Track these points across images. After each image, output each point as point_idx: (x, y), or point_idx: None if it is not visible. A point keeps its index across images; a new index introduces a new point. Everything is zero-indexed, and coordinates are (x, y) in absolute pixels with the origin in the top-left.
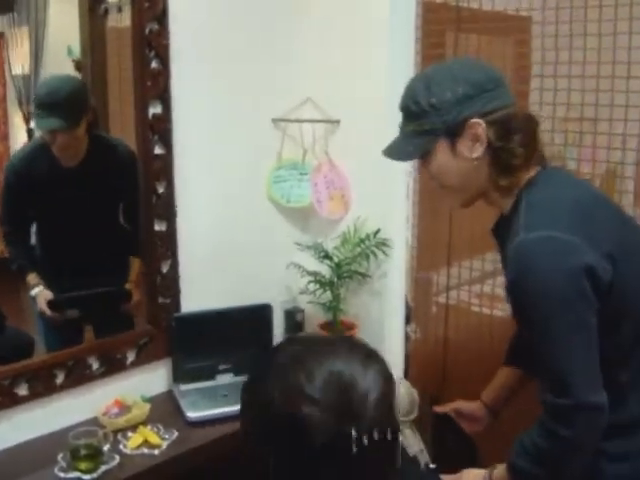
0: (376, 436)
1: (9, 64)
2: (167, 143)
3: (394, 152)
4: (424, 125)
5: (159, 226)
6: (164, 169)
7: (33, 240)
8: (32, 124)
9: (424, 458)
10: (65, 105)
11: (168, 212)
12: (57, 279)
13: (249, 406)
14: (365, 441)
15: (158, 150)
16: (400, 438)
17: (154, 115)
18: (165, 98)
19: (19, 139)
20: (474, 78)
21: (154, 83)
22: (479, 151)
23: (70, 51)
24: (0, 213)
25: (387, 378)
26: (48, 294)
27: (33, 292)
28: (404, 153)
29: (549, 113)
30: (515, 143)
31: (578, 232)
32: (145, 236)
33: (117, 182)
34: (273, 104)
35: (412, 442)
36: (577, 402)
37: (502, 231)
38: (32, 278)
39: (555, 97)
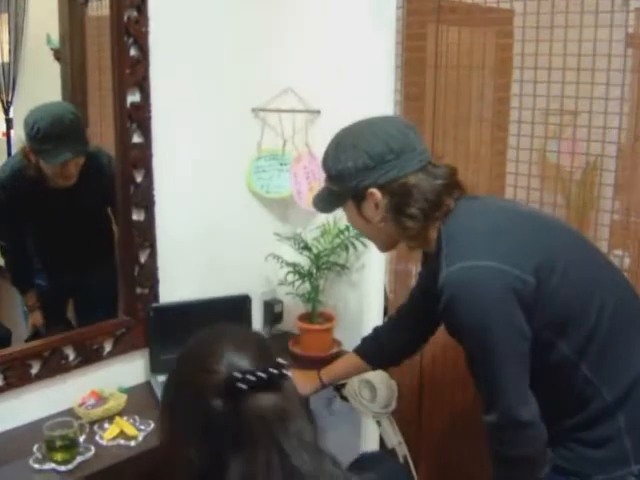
0: (264, 375)
1: None
2: (146, 132)
3: (315, 203)
4: (333, 187)
5: (137, 215)
6: (142, 158)
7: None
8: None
9: (402, 450)
10: (73, 133)
11: (146, 201)
12: (50, 272)
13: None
14: (251, 377)
15: (136, 139)
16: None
17: (132, 104)
18: (144, 86)
19: None
20: (374, 150)
21: (133, 71)
22: (380, 214)
23: (49, 40)
24: None
25: (261, 342)
26: (39, 319)
27: (26, 313)
28: (320, 207)
29: (529, 105)
30: (412, 208)
31: (494, 256)
32: (122, 225)
33: (104, 191)
34: (253, 93)
35: (390, 434)
36: (501, 418)
37: (430, 268)
38: (30, 299)
39: (535, 89)
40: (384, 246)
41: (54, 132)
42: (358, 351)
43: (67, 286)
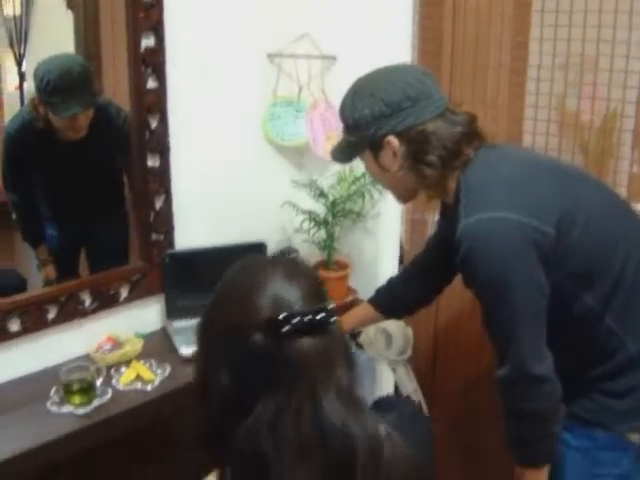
0: (308, 317)
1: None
2: (160, 76)
3: (333, 154)
4: (351, 137)
5: (152, 162)
6: (157, 103)
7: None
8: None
9: (417, 397)
10: (82, 85)
11: (161, 147)
12: (61, 223)
13: (202, 327)
14: (295, 320)
15: (151, 84)
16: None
17: (147, 48)
18: (158, 31)
19: (10, 82)
20: (391, 98)
21: (147, 15)
22: (398, 163)
23: None
24: (3, 182)
25: (312, 280)
26: (52, 272)
27: (39, 267)
28: (338, 157)
29: (550, 49)
30: (431, 155)
31: (514, 208)
32: (138, 172)
33: (114, 143)
34: (269, 39)
35: (406, 381)
36: (514, 372)
37: (448, 219)
38: (42, 253)
39: (556, 33)
40: (403, 196)
41: (63, 84)
42: (372, 301)
43: (78, 236)
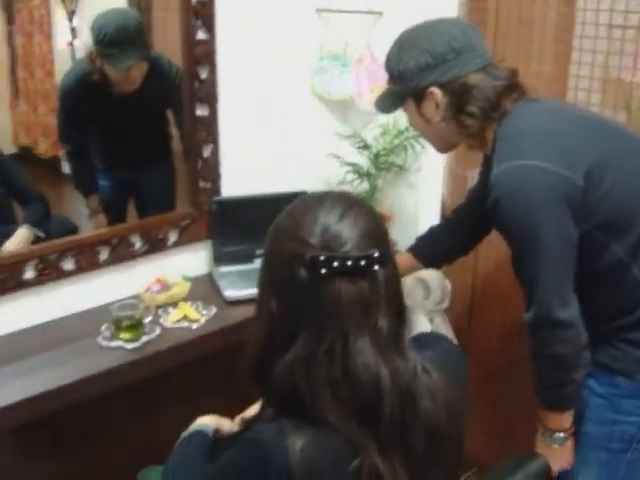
0: (349, 262)
1: None
2: (210, 28)
3: (377, 103)
4: (395, 87)
5: (201, 111)
6: (207, 54)
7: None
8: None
9: None
10: (137, 39)
11: (210, 97)
12: (112, 172)
13: (263, 256)
14: (335, 263)
15: (201, 35)
16: (381, 271)
17: (198, 1)
18: None
19: (62, 38)
20: (436, 49)
21: None
22: (440, 114)
23: None
24: (59, 133)
25: (369, 222)
26: (103, 222)
27: (90, 216)
28: (382, 107)
29: (593, 19)
30: (472, 106)
31: (544, 157)
32: (187, 121)
33: (165, 95)
34: None
35: (443, 330)
36: (539, 316)
37: (486, 168)
38: (93, 203)
39: (599, 3)
40: (443, 147)
41: (119, 37)
42: (412, 250)
43: (128, 186)
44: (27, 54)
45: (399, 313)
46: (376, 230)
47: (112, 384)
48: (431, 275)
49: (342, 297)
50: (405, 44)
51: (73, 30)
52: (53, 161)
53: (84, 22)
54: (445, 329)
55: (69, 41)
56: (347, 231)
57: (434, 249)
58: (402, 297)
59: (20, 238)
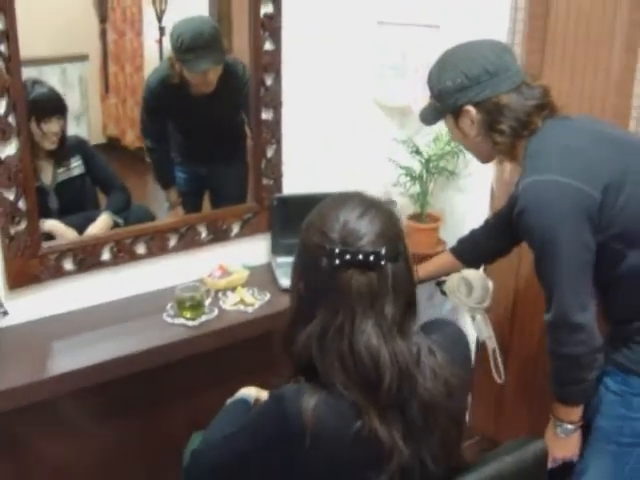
0: (360, 257)
1: None
2: (276, 40)
3: (421, 115)
4: (436, 103)
5: (266, 115)
6: (272, 63)
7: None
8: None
9: (492, 344)
10: (212, 44)
11: (274, 102)
12: (190, 167)
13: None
14: (347, 257)
15: (268, 46)
16: (390, 266)
17: (266, 14)
18: None
19: (151, 35)
20: (472, 72)
21: None
22: (475, 130)
23: None
24: (141, 128)
25: (385, 222)
26: (180, 214)
27: (169, 208)
28: (424, 119)
29: None
30: (502, 125)
31: (566, 172)
32: (253, 124)
33: (240, 96)
34: (379, 7)
35: (482, 328)
36: (557, 318)
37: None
38: (172, 195)
39: None
40: (482, 158)
41: (195, 44)
42: (453, 250)
43: (204, 180)
44: (119, 50)
45: (409, 304)
46: (390, 230)
47: (173, 356)
48: (474, 274)
49: (352, 285)
50: (445, 65)
51: (162, 29)
52: (139, 152)
53: (172, 22)
54: (485, 326)
55: (157, 39)
56: (364, 228)
57: (473, 250)
58: (412, 289)
59: (102, 224)
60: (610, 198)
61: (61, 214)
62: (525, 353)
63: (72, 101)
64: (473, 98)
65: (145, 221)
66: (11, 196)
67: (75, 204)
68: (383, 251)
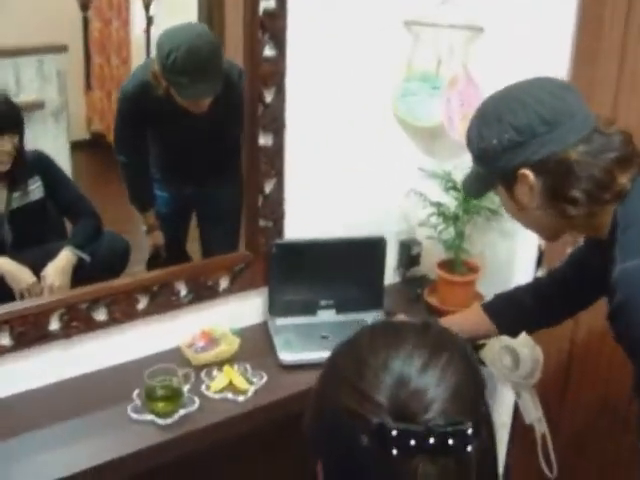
0: (432, 440)
1: None
2: (279, 44)
3: (464, 187)
4: (480, 169)
5: (264, 140)
6: (274, 74)
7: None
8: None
9: (542, 428)
10: (211, 67)
11: (276, 124)
12: (171, 186)
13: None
14: (412, 442)
15: (268, 52)
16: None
17: (266, 11)
18: None
19: (138, 25)
20: (522, 122)
21: None
22: (537, 200)
23: None
24: (115, 142)
25: (462, 374)
26: (160, 239)
27: (146, 233)
28: (468, 190)
29: None
30: (574, 190)
31: None
32: (248, 150)
33: (234, 111)
34: (406, 4)
35: (530, 408)
36: None
37: (598, 251)
38: (149, 219)
39: None
40: (547, 236)
41: (191, 65)
42: (488, 308)
43: (191, 202)
44: (104, 40)
45: None
46: (471, 386)
47: (139, 466)
48: (521, 343)
49: (421, 477)
50: (485, 117)
51: (149, 19)
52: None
53: (160, 11)
54: (533, 407)
55: (144, 28)
56: (432, 389)
57: (514, 311)
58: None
59: (61, 262)
60: None
61: (16, 247)
62: (576, 438)
63: (50, 96)
64: (529, 158)
65: (118, 254)
66: None
67: (34, 235)
68: (470, 430)
